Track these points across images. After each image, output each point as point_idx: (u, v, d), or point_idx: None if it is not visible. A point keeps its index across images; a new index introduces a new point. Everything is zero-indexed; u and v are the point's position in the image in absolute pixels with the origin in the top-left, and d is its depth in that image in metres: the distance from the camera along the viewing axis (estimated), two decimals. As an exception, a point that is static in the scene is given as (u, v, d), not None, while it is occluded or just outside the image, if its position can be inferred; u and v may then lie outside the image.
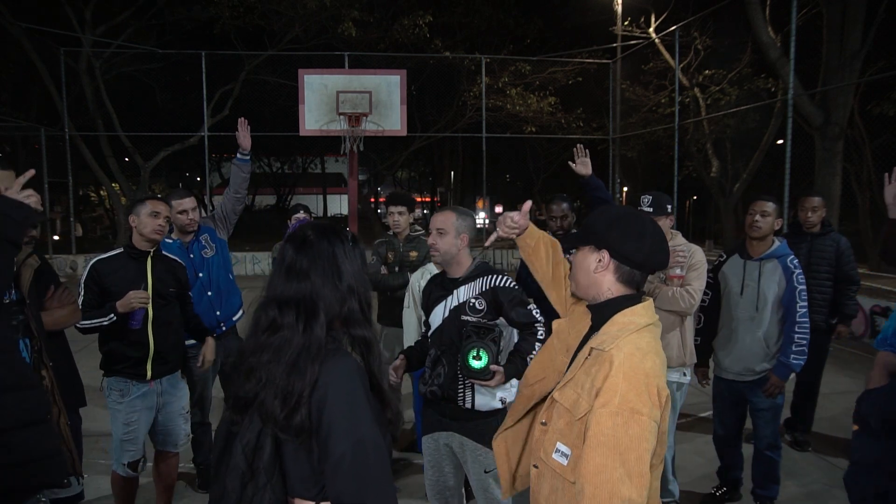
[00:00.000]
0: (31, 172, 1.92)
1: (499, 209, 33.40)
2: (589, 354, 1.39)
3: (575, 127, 15.01)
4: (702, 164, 14.66)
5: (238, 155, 3.62)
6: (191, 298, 3.08)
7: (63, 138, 13.27)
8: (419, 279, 3.29)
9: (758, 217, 3.04)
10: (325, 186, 37.01)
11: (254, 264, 13.36)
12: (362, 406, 1.21)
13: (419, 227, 3.88)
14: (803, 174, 9.27)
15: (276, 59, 14.13)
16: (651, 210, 2.88)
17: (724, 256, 3.29)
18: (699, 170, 14.75)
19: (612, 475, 1.21)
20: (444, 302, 2.40)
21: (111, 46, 13.62)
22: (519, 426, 1.73)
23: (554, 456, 1.40)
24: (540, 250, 1.90)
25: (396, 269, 3.74)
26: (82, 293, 2.70)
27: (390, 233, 3.86)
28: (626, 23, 14.13)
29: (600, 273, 1.43)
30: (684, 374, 3.02)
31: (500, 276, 2.37)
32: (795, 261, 3.02)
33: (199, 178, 30.31)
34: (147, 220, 2.75)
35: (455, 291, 2.38)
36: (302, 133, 9.73)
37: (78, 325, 2.59)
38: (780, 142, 10.88)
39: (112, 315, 2.63)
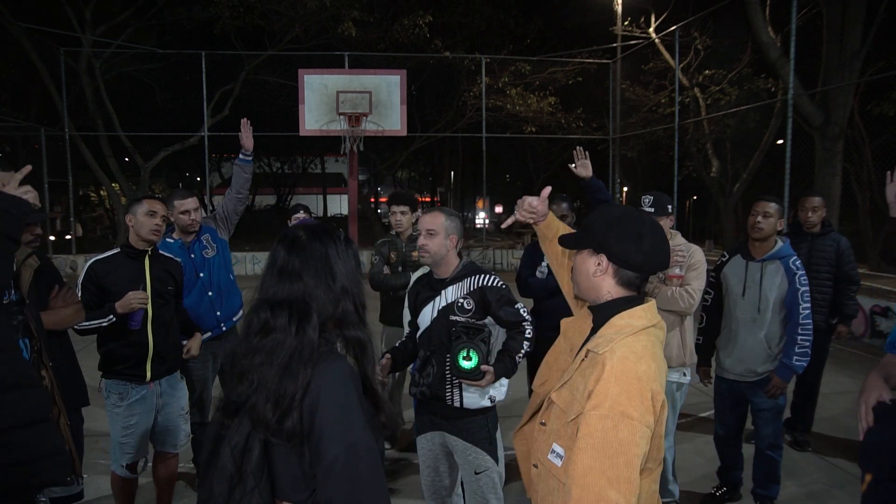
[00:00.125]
0: (28, 168, 1.92)
1: (499, 209, 33.42)
2: (585, 356, 1.38)
3: (575, 127, 15.01)
4: (702, 164, 14.66)
5: (240, 155, 3.62)
6: (182, 295, 3.08)
7: (63, 138, 13.27)
8: (421, 279, 3.30)
9: (760, 218, 3.02)
10: (325, 186, 37.00)
11: (254, 264, 13.36)
12: (355, 409, 1.19)
13: (421, 227, 3.88)
14: (803, 174, 9.27)
15: (276, 59, 14.12)
16: (652, 210, 2.87)
17: (727, 256, 3.27)
18: (699, 170, 14.76)
19: (600, 478, 1.19)
20: (432, 302, 2.41)
21: (111, 46, 13.62)
22: (528, 426, 1.73)
23: (549, 456, 1.40)
24: (556, 244, 1.90)
25: (399, 268, 3.73)
26: (80, 294, 2.69)
27: (393, 232, 3.85)
28: (626, 23, 14.14)
29: (599, 277, 1.43)
30: (684, 374, 3.02)
31: (487, 276, 2.38)
32: (798, 262, 3.00)
33: (199, 178, 30.30)
34: (144, 220, 2.74)
35: (443, 292, 2.39)
36: (302, 133, 9.74)
37: (76, 327, 2.58)
38: (780, 142, 10.88)
39: (111, 316, 2.62)
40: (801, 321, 2.93)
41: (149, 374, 2.77)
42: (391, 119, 9.59)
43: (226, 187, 3.89)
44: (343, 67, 12.26)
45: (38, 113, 15.70)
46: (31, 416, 1.63)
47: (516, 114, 14.66)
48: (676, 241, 2.99)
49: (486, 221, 20.70)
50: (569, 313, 1.79)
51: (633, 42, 14.00)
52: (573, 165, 3.45)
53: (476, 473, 2.36)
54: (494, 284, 2.36)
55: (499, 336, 2.43)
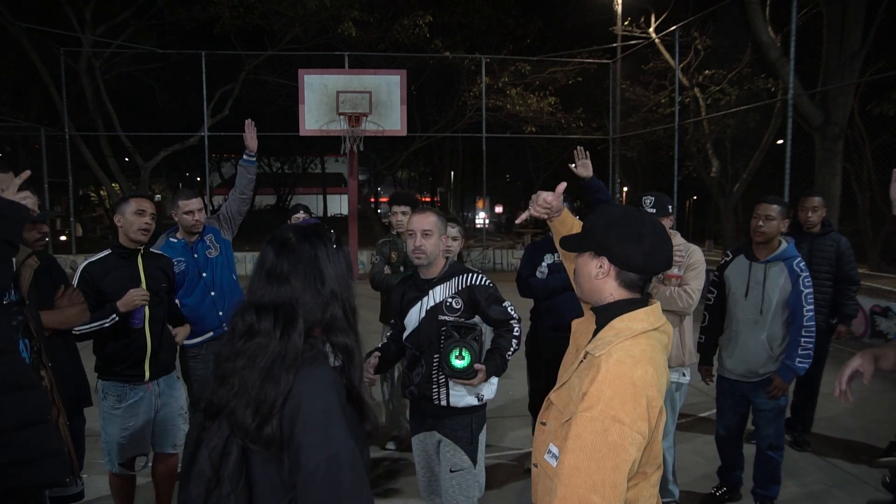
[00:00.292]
0: (27, 173, 1.92)
1: (499, 209, 33.43)
2: (584, 358, 1.38)
3: (575, 127, 15.02)
4: (702, 164, 14.65)
5: (244, 156, 3.62)
6: (174, 292, 3.07)
7: (63, 138, 13.27)
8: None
9: (761, 222, 2.98)
10: (325, 186, 37.03)
11: (253, 264, 13.38)
12: (337, 418, 1.15)
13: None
14: (803, 174, 9.27)
15: (276, 59, 14.12)
16: (654, 211, 2.88)
17: (731, 256, 3.25)
18: (699, 170, 14.75)
19: (585, 481, 1.18)
20: (419, 303, 2.40)
21: (111, 46, 13.63)
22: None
23: (545, 456, 1.39)
24: None
25: (401, 268, 3.74)
26: None
27: (394, 232, 3.86)
28: (626, 23, 14.13)
29: (602, 280, 1.41)
30: (684, 374, 3.02)
31: (475, 275, 2.39)
32: (802, 263, 2.97)
33: (199, 178, 30.28)
34: (132, 219, 2.69)
35: (430, 292, 2.39)
36: (302, 133, 9.76)
37: (75, 331, 2.54)
38: (780, 142, 10.86)
39: (114, 315, 2.61)
40: (804, 323, 2.92)
41: (147, 374, 2.76)
42: (391, 119, 9.61)
43: (226, 187, 3.88)
44: (343, 67, 12.25)
45: (38, 113, 15.70)
46: (30, 417, 1.63)
47: (516, 114, 14.67)
48: (676, 240, 2.99)
49: (486, 221, 20.72)
50: (569, 313, 1.78)
51: (633, 42, 14.00)
52: (573, 165, 3.45)
53: (451, 472, 2.35)
54: (483, 283, 2.37)
55: (486, 335, 2.43)
